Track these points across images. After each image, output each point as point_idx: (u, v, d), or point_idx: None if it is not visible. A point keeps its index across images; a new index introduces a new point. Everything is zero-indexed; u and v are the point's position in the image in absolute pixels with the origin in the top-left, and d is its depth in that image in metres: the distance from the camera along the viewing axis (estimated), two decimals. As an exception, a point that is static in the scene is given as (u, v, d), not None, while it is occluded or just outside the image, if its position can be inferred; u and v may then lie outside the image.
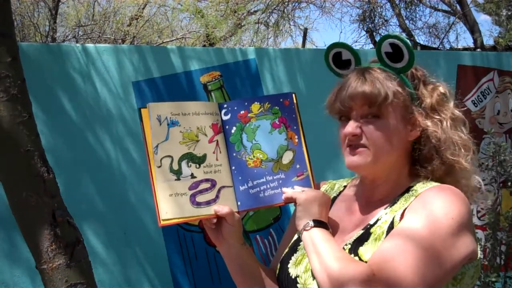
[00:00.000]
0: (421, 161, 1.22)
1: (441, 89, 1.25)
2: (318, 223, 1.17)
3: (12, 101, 1.78)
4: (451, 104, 1.25)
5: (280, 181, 1.27)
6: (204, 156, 1.25)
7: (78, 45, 3.37)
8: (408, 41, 1.21)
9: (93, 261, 2.04)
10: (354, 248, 1.14)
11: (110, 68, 3.13)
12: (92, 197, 3.05)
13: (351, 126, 1.20)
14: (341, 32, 17.64)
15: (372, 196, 1.25)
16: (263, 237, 3.32)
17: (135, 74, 3.16)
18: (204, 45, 8.87)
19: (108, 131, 3.11)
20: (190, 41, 10.66)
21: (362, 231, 1.17)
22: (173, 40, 10.82)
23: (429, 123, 1.20)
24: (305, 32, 8.58)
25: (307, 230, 1.16)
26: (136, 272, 3.11)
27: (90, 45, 3.23)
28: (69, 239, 1.86)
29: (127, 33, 10.04)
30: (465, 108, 1.33)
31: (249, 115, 1.29)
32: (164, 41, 10.64)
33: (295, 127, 1.29)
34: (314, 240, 1.14)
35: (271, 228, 3.35)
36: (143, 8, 10.38)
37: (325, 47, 1.37)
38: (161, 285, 3.13)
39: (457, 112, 1.25)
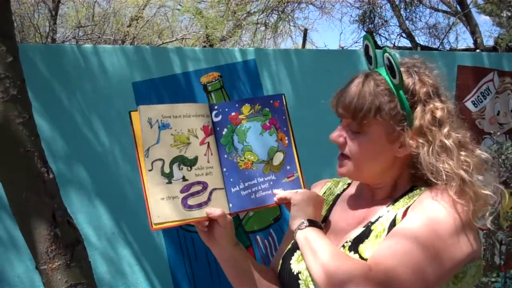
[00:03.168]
0: (419, 177, 1.20)
1: (438, 113, 1.16)
2: (313, 223, 1.17)
3: (12, 102, 1.78)
4: (444, 130, 1.15)
5: (271, 183, 1.26)
6: (196, 159, 1.23)
7: (78, 45, 3.37)
8: (398, 62, 1.14)
9: (93, 261, 2.04)
10: (355, 245, 1.14)
11: (110, 68, 3.13)
12: (92, 197, 3.05)
13: (335, 134, 1.22)
14: (341, 32, 17.52)
15: (374, 195, 1.25)
16: (263, 238, 3.32)
17: (135, 74, 3.17)
18: (204, 46, 8.87)
19: (108, 131, 3.11)
20: (190, 42, 10.67)
21: (363, 229, 1.18)
22: (173, 41, 10.83)
23: (413, 144, 1.15)
24: (305, 33, 8.58)
25: (301, 229, 1.16)
26: (136, 272, 3.11)
27: (90, 46, 3.23)
28: (69, 239, 1.85)
29: (127, 34, 10.04)
30: (470, 134, 1.18)
31: (239, 116, 1.28)
32: (164, 41, 10.64)
33: (285, 129, 1.29)
34: (309, 238, 1.14)
35: (271, 229, 3.35)
36: (143, 9, 10.39)
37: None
38: (161, 286, 3.14)
39: (449, 142, 1.14)
